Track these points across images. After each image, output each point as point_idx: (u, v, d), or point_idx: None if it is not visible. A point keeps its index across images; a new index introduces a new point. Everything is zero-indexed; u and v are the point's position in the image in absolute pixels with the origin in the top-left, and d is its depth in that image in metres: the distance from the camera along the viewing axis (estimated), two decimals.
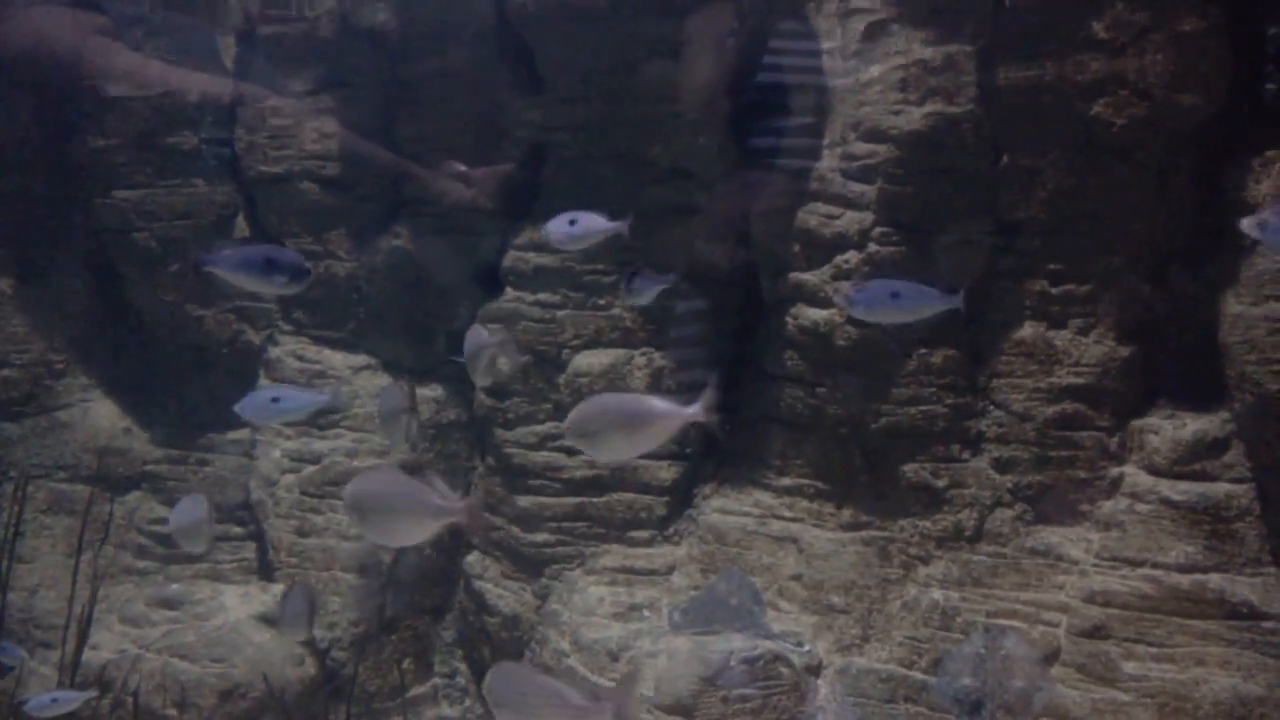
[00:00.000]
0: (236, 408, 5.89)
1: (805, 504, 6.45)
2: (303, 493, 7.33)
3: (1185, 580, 5.42)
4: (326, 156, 7.40)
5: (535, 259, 6.86)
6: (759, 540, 6.47)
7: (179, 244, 7.58)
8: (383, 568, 7.14)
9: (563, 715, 3.54)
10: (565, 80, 6.76)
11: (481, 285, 7.17)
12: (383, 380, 7.46)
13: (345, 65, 7.29)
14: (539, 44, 6.81)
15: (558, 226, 5.58)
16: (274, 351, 7.68)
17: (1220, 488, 5.49)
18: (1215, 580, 5.38)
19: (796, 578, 6.30)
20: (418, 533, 4.34)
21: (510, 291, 6.96)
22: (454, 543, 7.34)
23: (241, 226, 7.74)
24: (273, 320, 7.73)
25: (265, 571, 7.54)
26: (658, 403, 4.56)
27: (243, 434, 7.67)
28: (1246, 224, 4.51)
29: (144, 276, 7.73)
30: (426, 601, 7.31)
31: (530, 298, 6.87)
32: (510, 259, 6.94)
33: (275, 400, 5.88)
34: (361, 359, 7.53)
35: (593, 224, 5.52)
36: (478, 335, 6.11)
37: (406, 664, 7.14)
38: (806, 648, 5.96)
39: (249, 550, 7.65)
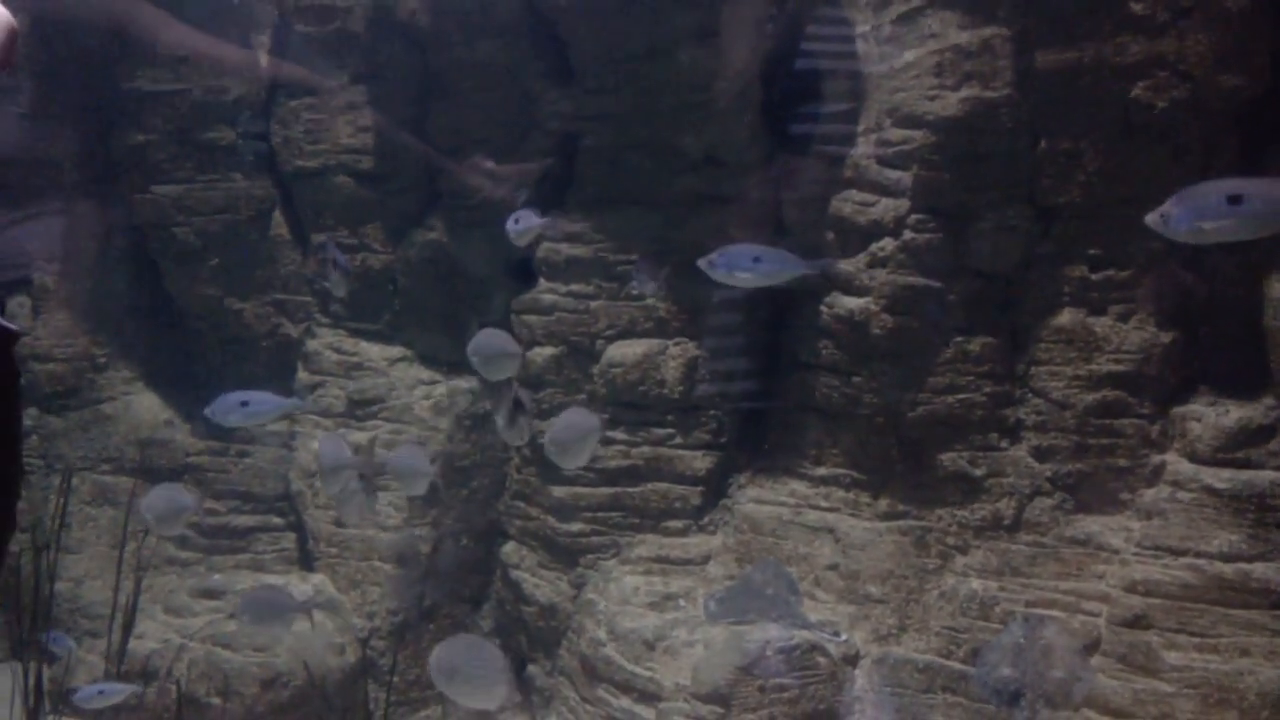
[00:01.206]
0: (207, 411, 5.99)
1: (841, 494, 6.42)
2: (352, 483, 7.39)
3: (1229, 569, 5.33)
4: (362, 150, 7.45)
5: (568, 250, 6.87)
6: (795, 530, 6.45)
7: (216, 238, 7.68)
8: (421, 558, 7.21)
9: None
10: (596, 70, 6.76)
11: (515, 277, 7.19)
12: (419, 373, 7.51)
13: (378, 58, 7.33)
14: (570, 34, 6.80)
15: (508, 224, 6.06)
16: (311, 344, 7.76)
17: (1265, 476, 5.40)
18: (1260, 570, 5.30)
19: (833, 567, 6.28)
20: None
21: (544, 283, 6.98)
22: (491, 532, 7.39)
23: (279, 221, 7.82)
24: (310, 313, 7.81)
25: (305, 561, 7.64)
26: None
27: (281, 426, 7.75)
28: (1150, 219, 4.52)
29: (183, 270, 7.84)
30: (464, 591, 7.36)
31: (563, 289, 6.89)
32: (543, 250, 6.95)
33: (244, 404, 5.97)
34: (397, 350, 7.59)
35: (530, 221, 6.05)
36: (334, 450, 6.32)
37: None
38: (843, 637, 5.94)
39: (289, 540, 7.74)
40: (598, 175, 6.90)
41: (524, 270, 7.14)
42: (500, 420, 6.30)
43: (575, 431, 5.79)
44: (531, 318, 6.98)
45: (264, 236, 7.80)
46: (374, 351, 7.60)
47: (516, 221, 6.05)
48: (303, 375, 7.72)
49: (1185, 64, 5.40)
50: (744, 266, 5.42)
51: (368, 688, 7.00)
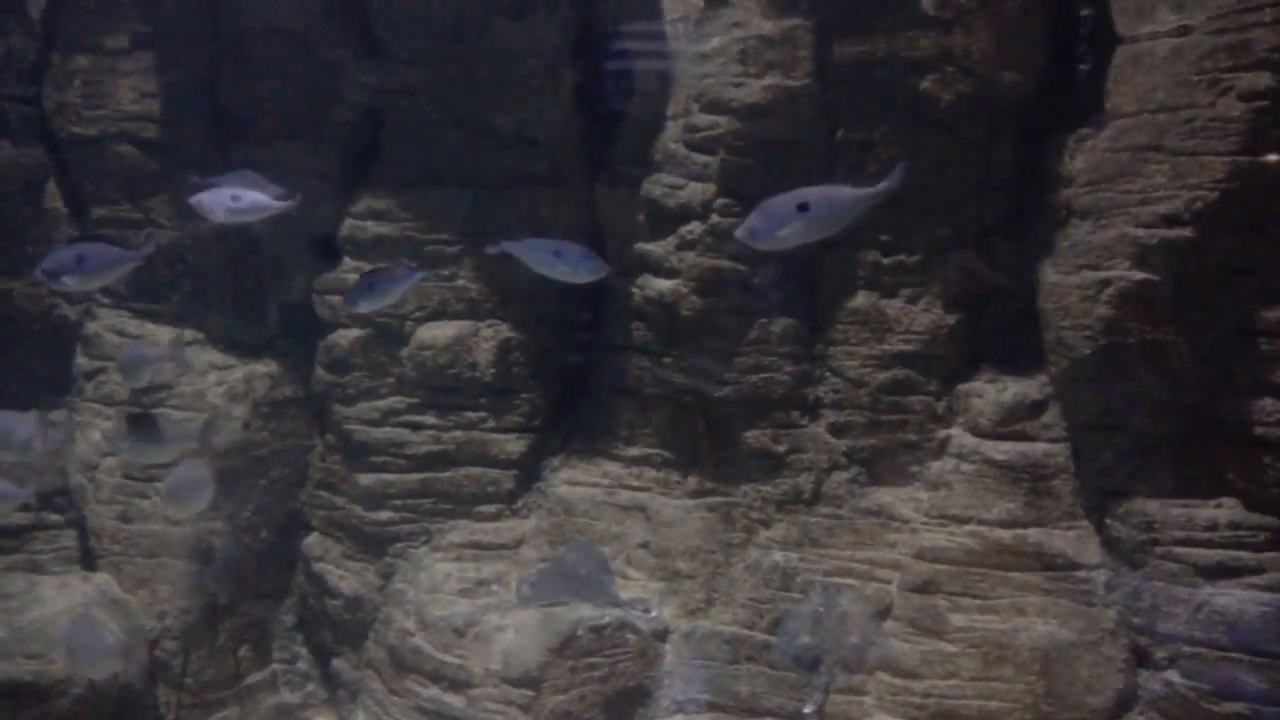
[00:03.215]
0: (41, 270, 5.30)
1: (653, 473, 6.51)
2: (126, 476, 6.92)
3: (1007, 535, 5.73)
4: (146, 117, 6.96)
5: (375, 228, 6.66)
6: (607, 510, 6.50)
7: None
8: (216, 553, 6.83)
9: None
10: (404, 42, 6.55)
11: (318, 255, 6.90)
12: (212, 356, 7.09)
13: (165, 19, 6.86)
14: (375, 3, 6.57)
15: (216, 200, 5.26)
16: (92, 326, 7.22)
17: (1039, 447, 5.82)
18: (1034, 534, 5.71)
19: (644, 545, 6.36)
20: None
21: (348, 262, 6.73)
22: (292, 523, 7.09)
23: (54, 192, 7.22)
24: (90, 293, 7.24)
25: (87, 560, 7.10)
26: None
27: (60, 414, 7.17)
28: (738, 232, 4.88)
29: None
30: (264, 586, 7.04)
31: (369, 268, 6.65)
32: (348, 228, 6.71)
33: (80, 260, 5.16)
34: (188, 333, 7.14)
35: (259, 201, 5.26)
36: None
37: (243, 651, 6.86)
38: (653, 613, 6.04)
39: (68, 538, 7.18)
40: (406, 151, 6.71)
41: (327, 248, 6.86)
42: (124, 437, 5.91)
43: (190, 483, 5.84)
44: (336, 298, 6.72)
45: (37, 209, 7.19)
46: (162, 334, 7.12)
47: (236, 199, 5.26)
48: (82, 360, 7.17)
49: (970, 60, 5.72)
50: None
51: (157, 691, 6.58)
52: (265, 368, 7.08)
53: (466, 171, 6.66)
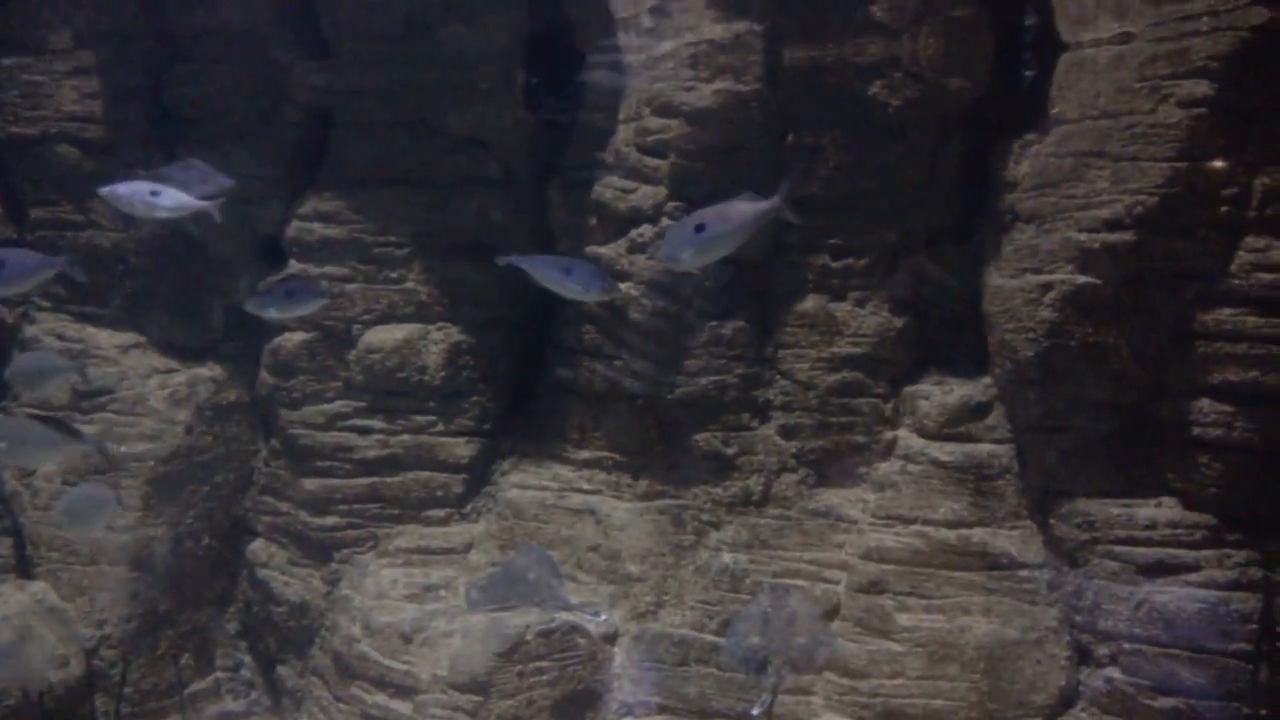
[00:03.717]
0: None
1: (604, 476, 6.48)
2: (65, 482, 6.75)
3: (952, 535, 5.77)
4: (88, 118, 6.83)
5: (321, 230, 6.58)
6: (558, 513, 6.46)
7: None
8: (157, 560, 6.69)
9: None
10: (353, 43, 6.50)
11: (263, 258, 6.80)
12: (154, 360, 6.96)
13: (109, 18, 6.74)
14: (323, 3, 6.50)
15: (133, 193, 5.03)
16: (31, 330, 7.07)
17: (983, 448, 5.88)
18: (978, 534, 5.76)
19: (595, 548, 6.33)
20: None
21: (295, 264, 6.64)
22: (236, 529, 6.96)
23: None
24: (28, 296, 7.08)
25: (23, 568, 6.92)
26: None
27: None
28: (648, 254, 5.36)
29: None
30: (206, 593, 6.90)
31: (316, 270, 6.59)
32: (294, 229, 6.62)
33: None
34: (129, 337, 7.01)
35: (179, 199, 5.04)
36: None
37: (185, 659, 6.72)
38: (603, 616, 6.00)
39: (4, 546, 7.00)
40: (355, 153, 6.65)
41: (274, 250, 6.77)
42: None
43: (89, 504, 5.76)
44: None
45: None
46: (103, 338, 6.98)
47: (155, 194, 4.99)
48: None
49: (917, 66, 5.78)
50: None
51: (95, 701, 6.42)
52: (209, 371, 6.97)
53: (416, 173, 6.60)
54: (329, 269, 6.58)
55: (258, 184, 6.74)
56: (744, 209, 4.96)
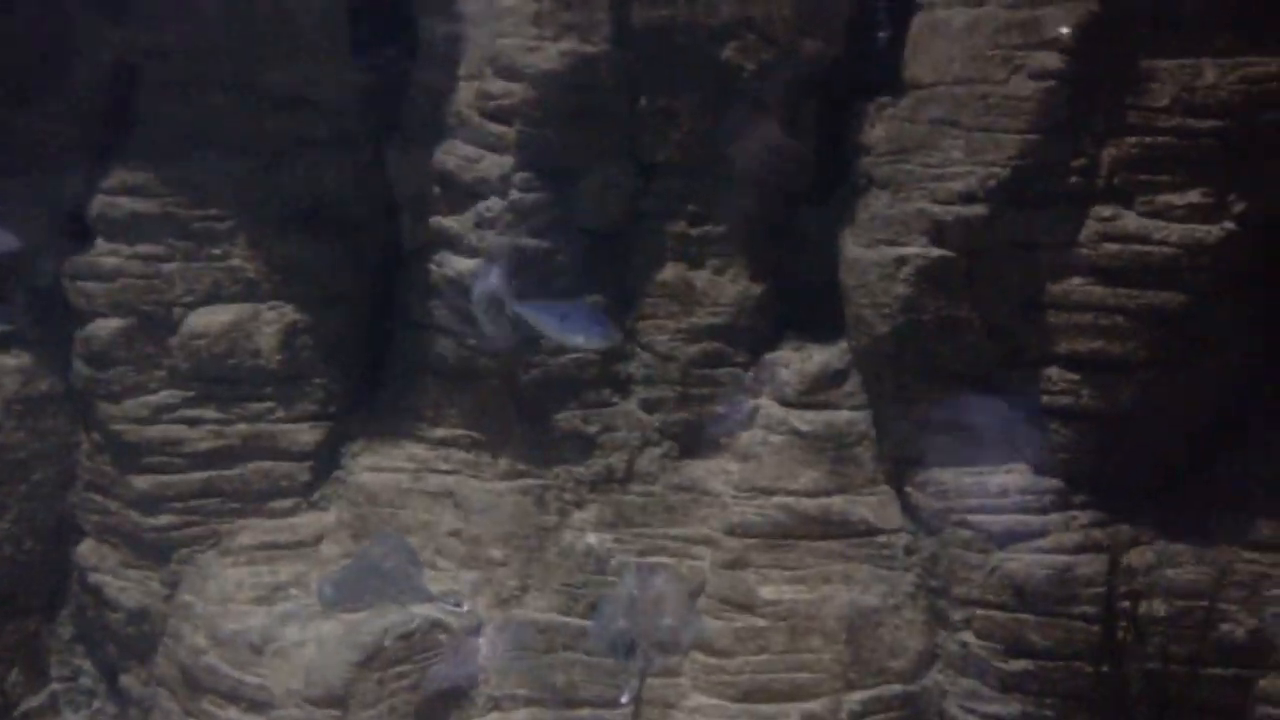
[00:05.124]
0: None
1: (462, 455, 6.23)
2: None
3: (813, 505, 5.80)
4: None
5: (130, 204, 5.96)
6: (414, 497, 6.20)
7: None
8: None
9: None
10: None
11: (68, 236, 6.13)
12: None
13: None
14: None
15: None
16: None
17: (842, 415, 5.89)
18: (838, 503, 5.81)
19: (455, 533, 6.12)
20: None
21: (102, 243, 6.01)
22: (61, 529, 6.44)
23: None
24: None
25: None
26: None
27: None
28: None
29: None
30: (33, 600, 6.40)
31: (128, 250, 5.98)
32: (99, 204, 5.98)
33: None
34: None
35: None
36: None
37: (14, 674, 6.25)
38: (465, 607, 5.84)
39: None
40: (165, 116, 6.01)
41: (79, 227, 6.11)
42: None
43: None
44: (90, 284, 6.02)
45: None
46: None
47: None
48: None
49: (771, 28, 5.56)
50: None
51: None
52: (15, 360, 6.31)
53: (236, 137, 6.03)
54: (142, 248, 5.98)
55: (54, 152, 6.02)
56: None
